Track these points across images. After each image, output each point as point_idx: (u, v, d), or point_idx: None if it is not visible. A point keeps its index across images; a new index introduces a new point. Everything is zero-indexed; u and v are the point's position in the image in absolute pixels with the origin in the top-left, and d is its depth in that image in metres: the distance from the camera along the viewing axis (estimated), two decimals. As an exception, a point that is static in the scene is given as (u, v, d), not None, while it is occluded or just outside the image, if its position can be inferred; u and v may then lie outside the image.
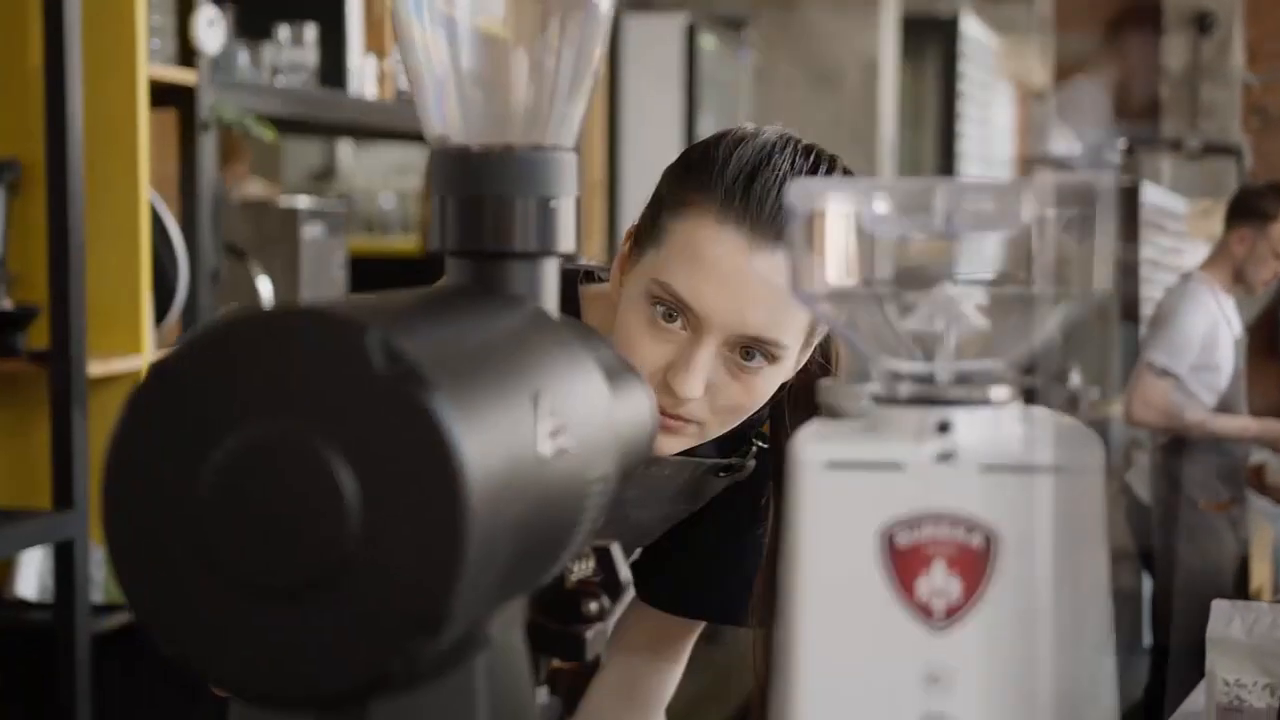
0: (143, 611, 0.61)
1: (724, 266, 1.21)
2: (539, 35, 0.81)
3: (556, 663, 0.99)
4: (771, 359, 1.24)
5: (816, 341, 1.32)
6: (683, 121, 5.15)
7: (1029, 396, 0.73)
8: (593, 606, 0.83)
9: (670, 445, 1.28)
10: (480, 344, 0.67)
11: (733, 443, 1.40)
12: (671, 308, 1.23)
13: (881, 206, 0.70)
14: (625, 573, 0.89)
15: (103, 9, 2.42)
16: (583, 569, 0.87)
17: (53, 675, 2.29)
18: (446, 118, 0.81)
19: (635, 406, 0.83)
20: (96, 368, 2.34)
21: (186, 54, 2.63)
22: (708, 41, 5.31)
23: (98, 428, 2.32)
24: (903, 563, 0.67)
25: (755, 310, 1.22)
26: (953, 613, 0.67)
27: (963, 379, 0.70)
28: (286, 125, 3.15)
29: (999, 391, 0.70)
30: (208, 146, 2.62)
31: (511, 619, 0.73)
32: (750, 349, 1.24)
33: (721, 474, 1.40)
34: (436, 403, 0.59)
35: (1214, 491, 4.38)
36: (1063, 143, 4.19)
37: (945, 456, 0.67)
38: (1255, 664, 1.87)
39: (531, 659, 0.86)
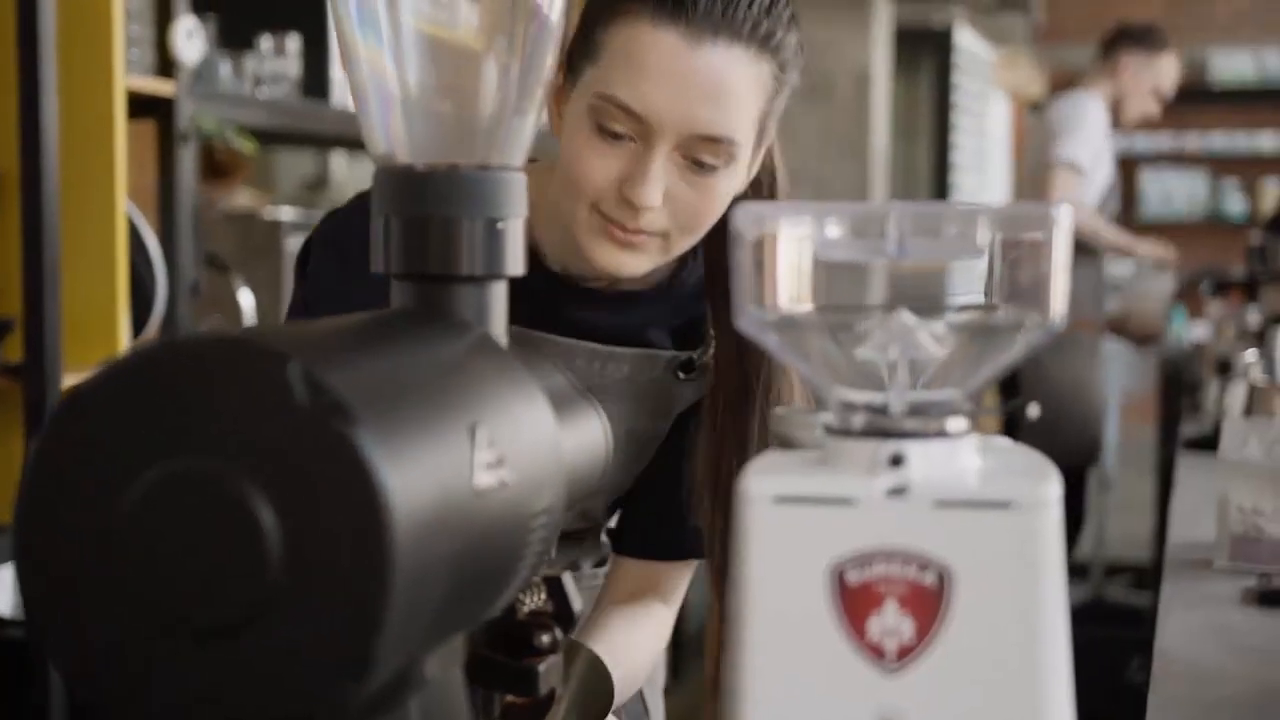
0: (53, 646, 0.59)
1: (666, 67, 1.19)
2: (486, 51, 0.79)
3: (510, 698, 0.97)
4: (726, 158, 1.21)
5: (767, 143, 1.29)
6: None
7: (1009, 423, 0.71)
8: (545, 639, 0.81)
9: (636, 263, 1.25)
10: (415, 373, 0.65)
11: (689, 339, 1.38)
12: (617, 120, 1.20)
13: (833, 231, 0.68)
14: (578, 603, 0.86)
15: (79, 19, 2.39)
16: (534, 600, 0.84)
17: (28, 691, 2.26)
18: (391, 136, 0.79)
19: (585, 433, 0.80)
20: (72, 381, 2.31)
21: (166, 65, 2.60)
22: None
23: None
24: (853, 601, 0.65)
25: (703, 107, 1.19)
26: (905, 654, 0.65)
27: (918, 409, 0.68)
28: (269, 136, 3.13)
29: (955, 423, 0.68)
30: (187, 158, 2.60)
31: (450, 657, 0.70)
32: (702, 155, 1.21)
33: (681, 374, 1.37)
34: (360, 436, 0.56)
35: (1083, 311, 4.44)
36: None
37: (897, 491, 0.65)
38: (1276, 488, 1.76)
39: (483, 695, 0.83)
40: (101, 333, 2.39)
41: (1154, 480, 5.41)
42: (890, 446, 0.66)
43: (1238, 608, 1.60)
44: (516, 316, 1.28)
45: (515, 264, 0.78)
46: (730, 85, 1.19)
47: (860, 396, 0.69)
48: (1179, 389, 4.72)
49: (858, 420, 0.68)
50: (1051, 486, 0.65)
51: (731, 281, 0.68)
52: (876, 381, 0.69)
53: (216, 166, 3.50)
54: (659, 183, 1.21)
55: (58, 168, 2.30)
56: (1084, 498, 4.59)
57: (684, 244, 1.25)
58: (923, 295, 0.70)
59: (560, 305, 1.34)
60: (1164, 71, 4.46)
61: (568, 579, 0.84)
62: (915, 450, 0.66)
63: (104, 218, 2.39)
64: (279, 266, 2.96)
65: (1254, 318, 4.00)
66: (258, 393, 0.57)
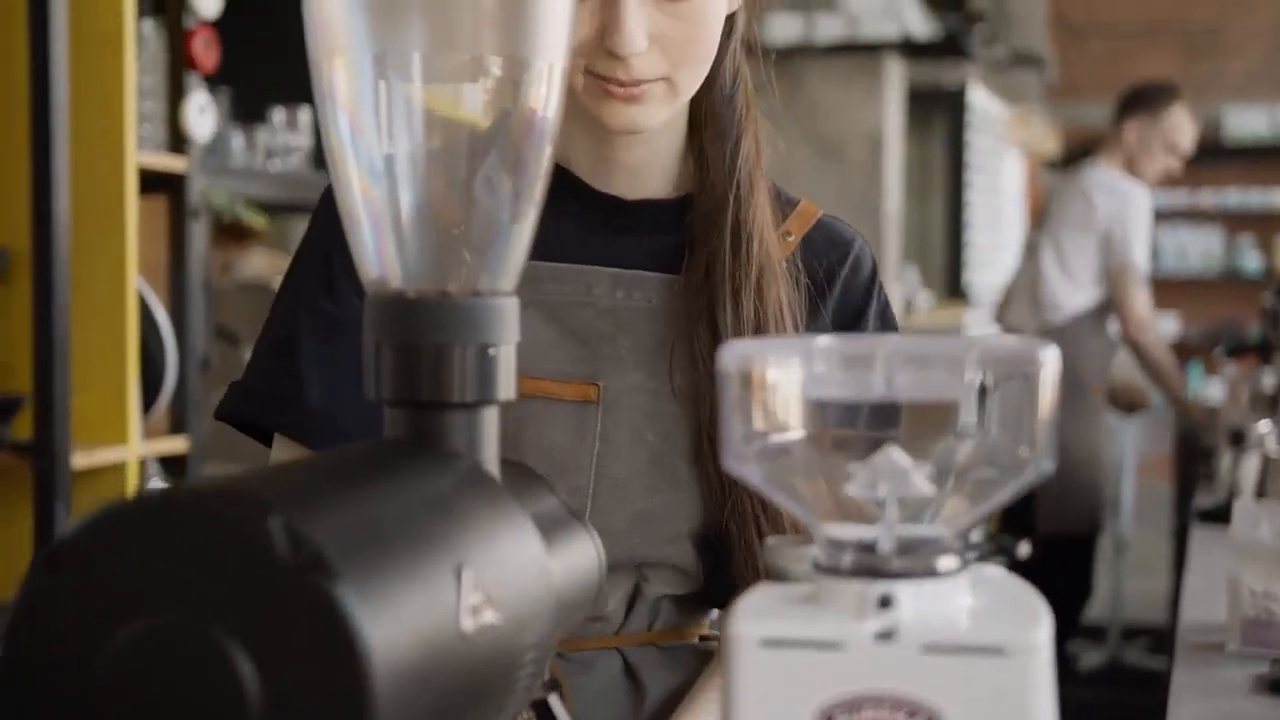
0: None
1: None
2: (478, 172, 0.79)
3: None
4: None
5: None
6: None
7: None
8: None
9: (648, 115, 1.18)
10: (401, 515, 0.64)
11: None
12: None
13: (820, 368, 0.67)
14: (569, 727, 0.86)
15: (92, 96, 2.41)
16: (524, 724, 0.84)
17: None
18: (383, 261, 0.78)
19: (577, 559, 0.80)
20: (81, 459, 2.32)
21: (178, 140, 2.62)
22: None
23: (81, 521, 2.29)
24: (841, 747, 0.64)
25: None
26: (894, 800, 0.64)
27: (907, 547, 0.67)
28: (281, 207, 3.14)
29: (945, 561, 0.67)
30: (198, 233, 2.61)
31: (436, 797, 0.69)
32: None
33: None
34: (341, 592, 0.56)
35: (1096, 375, 4.43)
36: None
37: (886, 635, 0.64)
38: None
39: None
40: (111, 410, 2.39)
41: (1170, 544, 5.38)
42: (879, 587, 0.66)
43: (1249, 697, 1.59)
44: (539, 247, 1.24)
45: (508, 389, 0.78)
46: None
47: (849, 533, 0.68)
48: (1194, 453, 4.70)
49: (846, 559, 0.67)
50: (1042, 629, 0.64)
51: (720, 419, 0.67)
52: (865, 513, 0.68)
53: (231, 230, 3.52)
54: (638, 26, 1.13)
55: (69, 245, 2.31)
56: (1092, 566, 4.57)
57: (691, 81, 1.18)
58: (913, 427, 0.69)
59: (588, 226, 1.26)
60: (1173, 127, 4.46)
61: (555, 701, 0.83)
62: (905, 591, 0.65)
63: (114, 294, 2.40)
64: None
65: (1269, 380, 3.98)
66: (239, 546, 0.57)
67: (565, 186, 1.26)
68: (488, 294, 0.78)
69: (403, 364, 0.76)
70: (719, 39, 1.19)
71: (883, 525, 0.67)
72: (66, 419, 2.29)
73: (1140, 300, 4.34)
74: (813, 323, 1.26)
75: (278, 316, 1.27)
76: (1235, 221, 9.82)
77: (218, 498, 0.58)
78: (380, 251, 0.78)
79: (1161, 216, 9.85)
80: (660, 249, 1.26)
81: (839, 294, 1.29)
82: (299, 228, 3.91)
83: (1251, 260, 9.79)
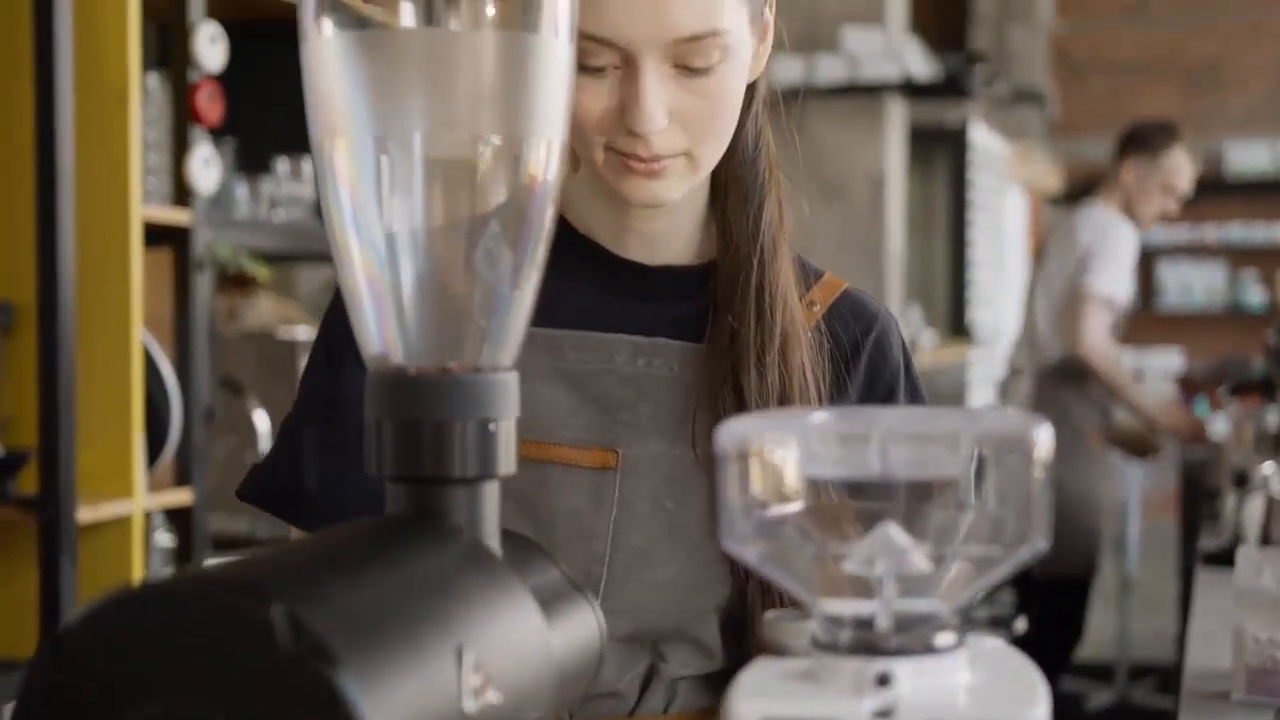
0: None
1: None
2: (477, 250, 0.80)
3: None
4: (720, 52, 1.13)
5: (767, 17, 1.20)
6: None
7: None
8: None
9: (669, 189, 1.17)
10: (401, 598, 0.65)
11: None
12: (592, 54, 1.11)
13: (817, 446, 0.68)
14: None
15: (97, 150, 2.42)
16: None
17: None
18: (384, 337, 0.79)
19: (578, 631, 0.80)
20: (87, 513, 2.32)
21: (182, 192, 2.63)
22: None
23: (87, 576, 2.30)
24: (841, 825, 0.64)
25: (674, 9, 1.10)
26: None
27: (905, 624, 0.68)
28: (285, 256, 3.16)
29: (943, 638, 0.67)
30: (202, 285, 2.62)
31: None
32: (691, 59, 1.12)
33: None
34: (343, 680, 0.57)
35: (1092, 422, 4.42)
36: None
37: (884, 714, 0.65)
38: None
39: None
40: (116, 463, 2.40)
41: (1176, 583, 5.37)
42: (877, 665, 0.66)
43: (1255, 748, 1.59)
44: (561, 314, 1.23)
45: (508, 463, 0.79)
46: None
47: (846, 609, 0.69)
48: (1198, 491, 4.70)
49: (844, 636, 0.68)
50: (1040, 707, 0.65)
51: (718, 498, 0.68)
52: (863, 587, 0.69)
53: (237, 276, 3.53)
54: (657, 104, 1.12)
55: (74, 299, 2.32)
56: (1086, 607, 4.57)
57: (712, 155, 1.17)
58: (910, 503, 0.70)
59: (610, 292, 1.25)
60: (1171, 169, 4.47)
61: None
62: (903, 668, 0.66)
63: (119, 348, 2.41)
64: (294, 387, 2.97)
65: (1273, 418, 3.98)
66: (242, 635, 0.58)
67: (587, 254, 1.26)
68: (488, 369, 0.79)
69: (404, 440, 0.77)
70: (739, 111, 1.18)
71: (880, 602, 0.68)
72: (72, 474, 2.30)
73: (1091, 321, 4.31)
74: (838, 394, 1.25)
75: (296, 401, 1.29)
76: (1238, 256, 9.84)
77: (221, 586, 0.58)
78: (381, 328, 0.79)
79: (1164, 251, 9.88)
80: (682, 316, 1.25)
81: (865, 373, 1.28)
82: (303, 276, 3.92)
83: (1255, 295, 9.80)
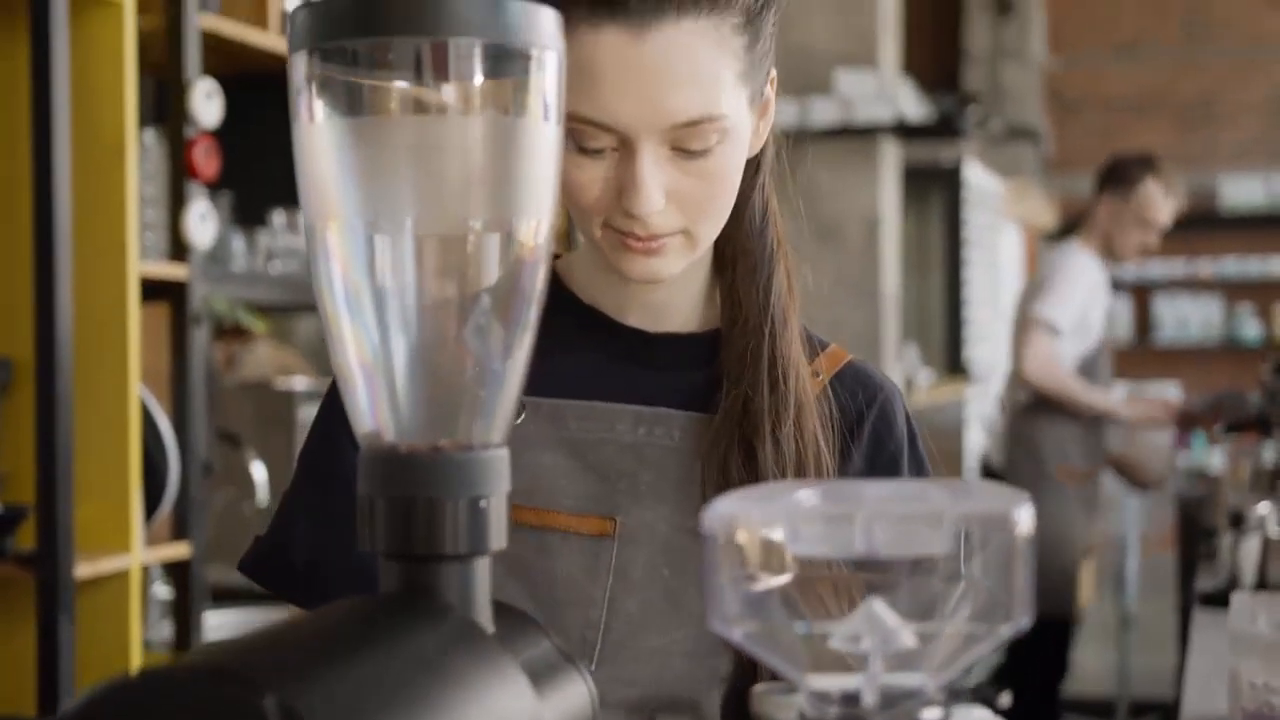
0: None
1: (616, 67, 1.10)
2: (467, 330, 0.81)
3: None
4: (717, 135, 1.13)
5: (766, 98, 1.21)
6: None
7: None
8: None
9: (667, 265, 1.17)
10: (393, 681, 0.66)
11: None
12: (590, 136, 1.12)
13: (803, 529, 0.69)
14: None
15: (95, 206, 2.44)
16: None
17: None
18: (376, 416, 0.80)
19: (569, 704, 0.81)
20: (85, 569, 2.33)
21: (179, 247, 2.65)
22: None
23: (86, 631, 2.30)
24: None
25: (669, 96, 1.10)
26: None
27: (891, 699, 0.69)
28: (282, 308, 3.17)
29: (930, 713, 0.68)
30: (199, 339, 2.63)
31: None
32: (689, 142, 1.12)
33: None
34: (336, 768, 0.58)
35: (1068, 458, 4.41)
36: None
37: (871, 790, 0.66)
38: None
39: None
40: (114, 519, 2.41)
41: (1175, 619, 5.37)
42: (864, 743, 0.67)
43: (1251, 797, 1.59)
44: (564, 383, 1.23)
45: (499, 539, 0.80)
46: (691, 62, 1.11)
47: (833, 684, 0.70)
48: (1195, 530, 4.70)
49: (831, 711, 0.69)
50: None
51: (704, 580, 0.69)
52: (849, 659, 0.70)
53: (235, 325, 3.55)
54: (654, 186, 1.12)
55: (72, 356, 2.33)
56: (1068, 645, 4.57)
57: (709, 232, 1.18)
58: (896, 580, 0.71)
59: (612, 359, 1.26)
60: (1144, 202, 4.47)
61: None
62: (890, 745, 0.67)
63: (117, 404, 2.42)
64: (292, 437, 2.99)
65: (1270, 455, 3.98)
66: (234, 724, 0.58)
67: (591, 323, 1.27)
68: (479, 446, 0.80)
69: (396, 517, 0.78)
70: (738, 187, 1.18)
71: (866, 678, 0.69)
72: (70, 531, 2.30)
73: (1031, 346, 4.33)
74: (843, 463, 1.25)
75: (294, 477, 1.30)
76: (1234, 290, 9.87)
77: (215, 676, 0.59)
78: (373, 406, 0.80)
79: (1160, 286, 9.91)
80: (684, 385, 1.25)
81: (869, 443, 1.28)
82: (300, 325, 3.93)
83: (1251, 329, 9.82)
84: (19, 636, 2.35)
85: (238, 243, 2.90)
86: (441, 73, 0.77)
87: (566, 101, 1.15)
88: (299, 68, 0.77)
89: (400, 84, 0.78)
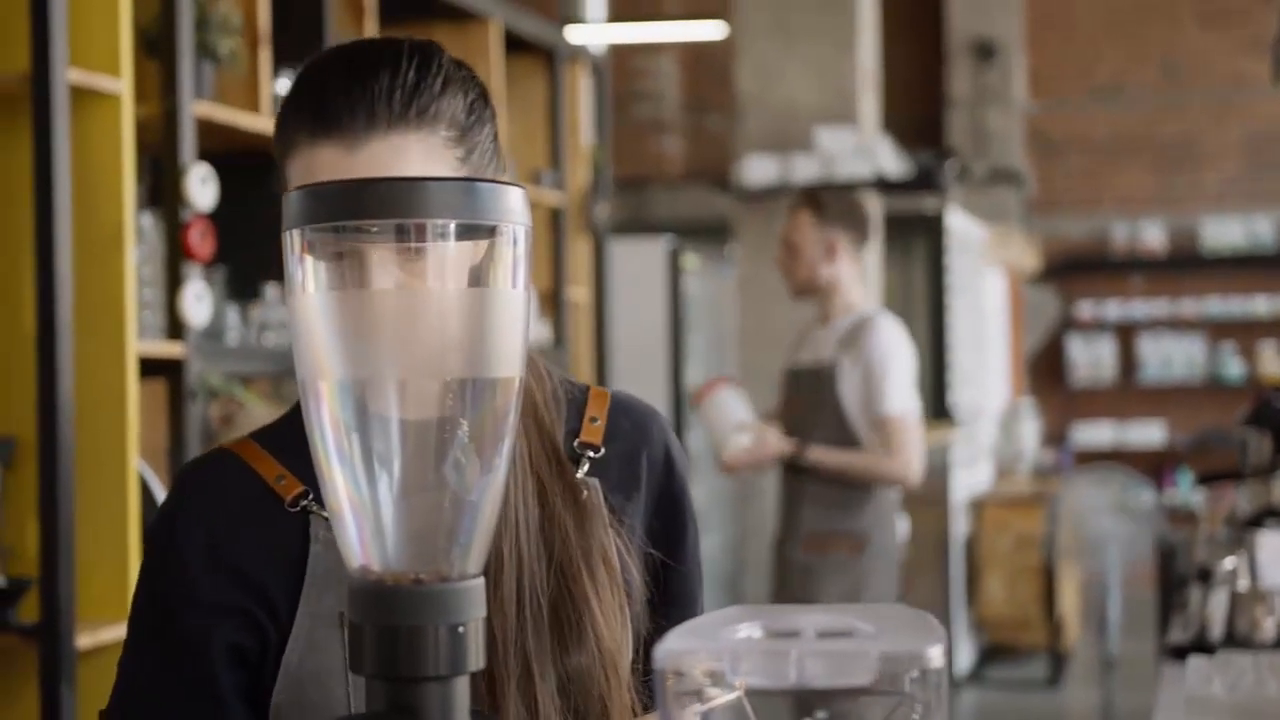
0: None
1: (330, 178, 1.17)
2: (445, 474, 0.90)
3: None
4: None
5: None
6: (668, 338, 5.27)
7: None
8: None
9: None
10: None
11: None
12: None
13: (743, 663, 0.78)
14: None
15: (95, 288, 2.53)
16: None
17: None
18: (365, 552, 0.89)
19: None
20: (86, 639, 2.41)
21: (175, 326, 2.73)
22: (691, 261, 5.45)
23: (87, 699, 2.38)
24: None
25: None
26: None
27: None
28: (275, 377, 3.26)
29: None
30: (195, 415, 2.72)
31: None
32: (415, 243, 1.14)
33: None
34: None
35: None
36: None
37: None
38: None
39: None
40: (114, 589, 2.49)
41: (1155, 662, 5.45)
42: None
43: None
44: None
45: (477, 660, 0.89)
46: (400, 172, 1.19)
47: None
48: (1173, 572, 4.77)
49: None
50: None
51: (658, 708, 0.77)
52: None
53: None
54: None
55: (73, 434, 2.42)
56: None
57: None
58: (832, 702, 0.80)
59: None
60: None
61: None
62: None
63: (116, 479, 2.51)
64: (286, 502, 3.05)
65: (1243, 506, 4.05)
66: None
67: None
68: (456, 578, 0.89)
69: (382, 643, 0.87)
70: None
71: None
72: (72, 603, 2.38)
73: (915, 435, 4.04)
74: (631, 498, 1.32)
75: (126, 643, 1.29)
76: (1217, 329, 9.99)
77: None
78: (362, 543, 0.89)
79: (1144, 325, 10.02)
80: None
81: (649, 474, 1.34)
82: (293, 386, 4.01)
83: (1234, 367, 9.93)
84: (22, 705, 2.43)
85: (232, 316, 2.99)
86: (420, 248, 0.87)
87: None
88: (294, 244, 0.87)
89: (383, 257, 0.87)
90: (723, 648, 0.79)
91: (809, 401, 3.88)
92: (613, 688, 1.24)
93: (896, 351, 3.84)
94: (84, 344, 2.48)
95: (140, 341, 2.59)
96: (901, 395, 3.80)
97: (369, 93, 1.20)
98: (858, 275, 3.99)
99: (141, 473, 2.58)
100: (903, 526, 4.21)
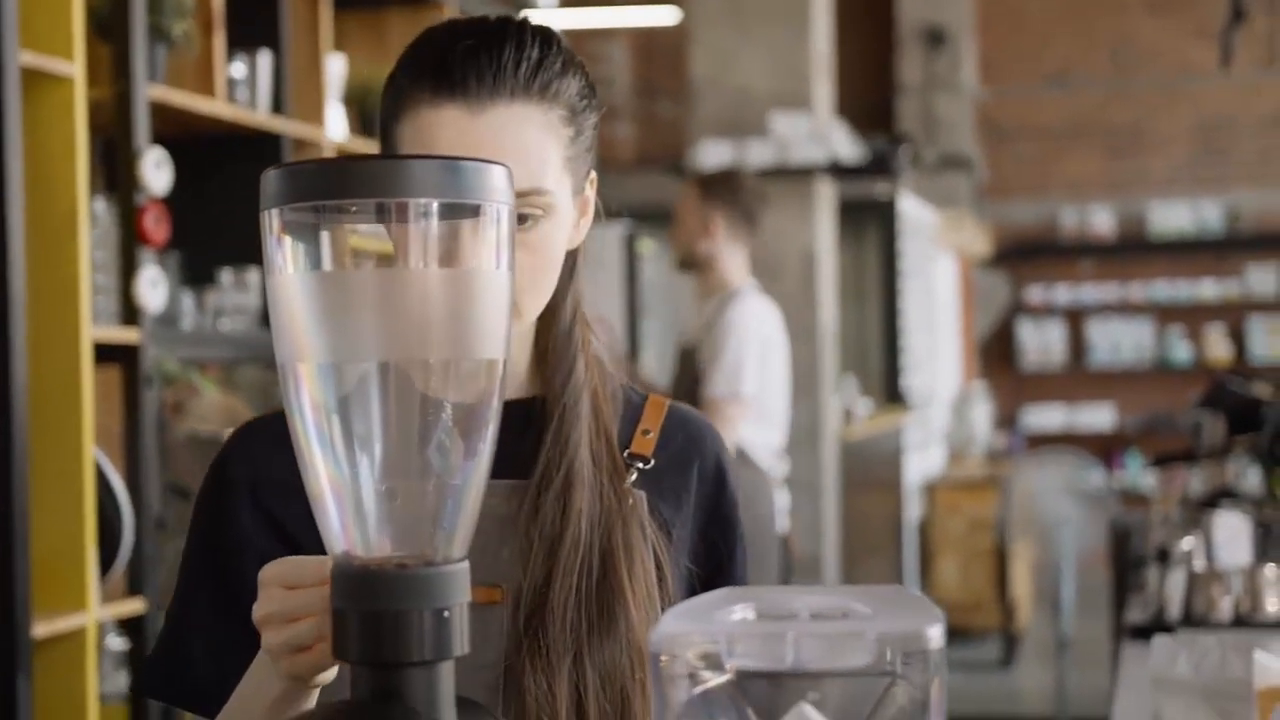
0: None
1: (453, 139, 1.19)
2: (429, 458, 0.89)
3: None
4: (544, 208, 1.22)
5: (588, 193, 1.29)
6: (625, 323, 5.26)
7: None
8: None
9: None
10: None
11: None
12: None
13: (739, 645, 0.77)
14: None
15: (48, 273, 2.49)
16: None
17: None
18: (348, 537, 0.88)
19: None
20: (42, 629, 2.38)
21: (130, 311, 2.70)
22: (646, 246, 5.44)
23: (42, 689, 2.35)
24: None
25: None
26: None
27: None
28: (231, 363, 3.23)
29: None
30: (150, 400, 2.69)
31: None
32: (518, 208, 1.13)
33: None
34: None
35: None
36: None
37: None
38: (1208, 705, 1.77)
39: None
40: (70, 578, 2.46)
41: (1109, 642, 5.49)
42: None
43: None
44: None
45: (462, 645, 0.87)
46: (521, 140, 1.21)
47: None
48: (1127, 554, 4.79)
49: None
50: None
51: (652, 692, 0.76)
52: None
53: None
54: None
55: (27, 421, 2.38)
56: None
57: (534, 305, 1.25)
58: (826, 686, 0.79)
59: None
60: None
61: None
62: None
63: (72, 466, 2.47)
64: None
65: (1197, 486, 4.07)
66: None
67: None
68: (440, 562, 0.87)
69: (367, 629, 0.86)
70: (560, 267, 1.27)
71: (795, 779, 0.77)
72: (27, 594, 2.35)
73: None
74: (679, 508, 1.32)
75: (177, 588, 1.30)
76: (1164, 313, 10.06)
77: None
78: (344, 528, 0.88)
79: (1093, 310, 10.09)
80: (507, 453, 1.32)
81: (699, 484, 1.35)
82: (249, 375, 3.97)
83: (1181, 351, 10.01)
84: (-22, 695, 2.40)
85: (187, 302, 2.96)
86: (402, 228, 0.85)
87: None
88: (272, 224, 0.85)
89: (364, 238, 0.85)
90: (718, 630, 0.77)
91: (680, 379, 3.93)
92: (638, 682, 1.23)
93: (740, 333, 3.82)
94: (38, 330, 2.45)
95: (95, 327, 2.56)
96: (727, 378, 3.77)
97: (495, 60, 1.22)
98: (737, 254, 4.01)
99: (97, 459, 2.55)
100: (781, 499, 4.16)
